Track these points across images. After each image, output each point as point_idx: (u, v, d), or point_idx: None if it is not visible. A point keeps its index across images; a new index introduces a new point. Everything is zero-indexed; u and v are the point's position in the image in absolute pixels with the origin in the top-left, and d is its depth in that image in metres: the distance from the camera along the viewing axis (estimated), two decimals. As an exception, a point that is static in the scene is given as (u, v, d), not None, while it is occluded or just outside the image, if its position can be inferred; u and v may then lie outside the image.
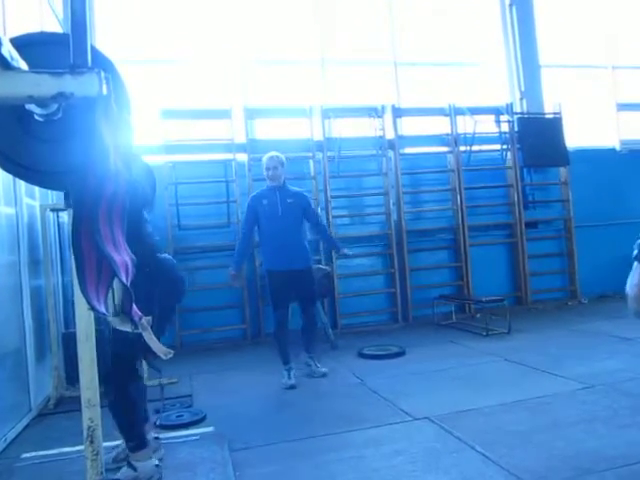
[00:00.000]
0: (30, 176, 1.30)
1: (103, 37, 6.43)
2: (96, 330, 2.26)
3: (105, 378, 2.57)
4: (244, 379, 4.83)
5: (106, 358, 2.57)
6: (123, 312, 1.09)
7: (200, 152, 6.79)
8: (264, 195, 4.61)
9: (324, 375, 4.51)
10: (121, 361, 2.60)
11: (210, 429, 3.44)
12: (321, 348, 4.77)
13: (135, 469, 2.60)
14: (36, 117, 1.14)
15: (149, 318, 1.16)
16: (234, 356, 5.90)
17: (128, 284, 1.06)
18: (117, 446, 2.94)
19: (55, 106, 1.14)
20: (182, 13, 7.06)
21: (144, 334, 1.14)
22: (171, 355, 1.25)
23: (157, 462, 2.68)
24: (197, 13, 7.12)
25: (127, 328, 1.11)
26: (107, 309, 1.06)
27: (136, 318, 1.11)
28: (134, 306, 1.11)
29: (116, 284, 1.09)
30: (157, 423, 3.58)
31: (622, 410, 3.29)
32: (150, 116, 6.40)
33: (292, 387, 4.38)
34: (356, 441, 3.14)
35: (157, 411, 3.78)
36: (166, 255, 3.03)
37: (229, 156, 6.79)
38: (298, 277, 4.51)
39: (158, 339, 2.88)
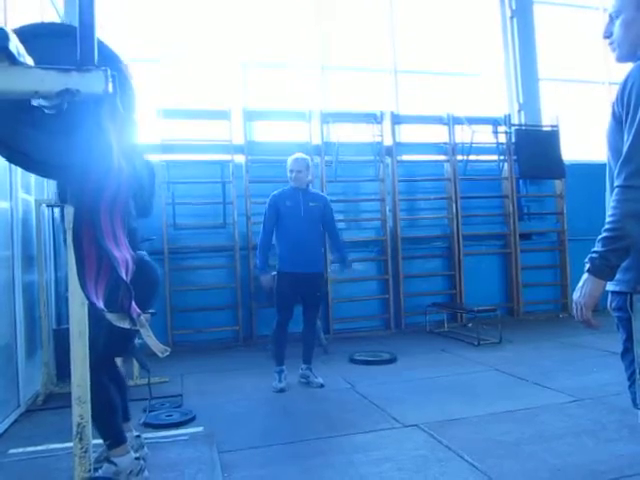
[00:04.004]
0: (35, 167, 1.30)
1: (103, 34, 6.42)
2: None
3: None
4: (235, 381, 4.82)
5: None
6: (122, 309, 1.09)
7: (198, 152, 6.80)
8: (287, 195, 4.54)
9: (321, 386, 4.49)
10: (98, 360, 2.58)
11: (200, 429, 3.43)
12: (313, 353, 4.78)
13: (115, 464, 2.59)
14: (45, 110, 1.15)
15: (148, 315, 1.17)
16: (226, 357, 5.89)
17: (128, 280, 1.06)
18: (101, 445, 2.92)
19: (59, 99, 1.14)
20: (184, 13, 7.07)
21: (142, 331, 1.14)
22: (167, 353, 1.25)
23: (136, 455, 2.68)
24: (199, 13, 7.14)
25: (125, 325, 1.11)
26: (105, 305, 1.07)
27: (135, 315, 1.11)
28: (133, 303, 1.12)
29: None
30: (145, 422, 3.57)
31: (609, 424, 3.31)
32: (148, 115, 6.40)
33: (282, 390, 4.38)
34: (345, 446, 3.15)
35: (145, 410, 3.77)
36: (145, 253, 2.91)
37: (227, 157, 6.80)
38: (308, 280, 4.48)
39: (126, 347, 2.86)
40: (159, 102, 6.51)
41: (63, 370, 4.14)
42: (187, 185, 6.54)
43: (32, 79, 1.05)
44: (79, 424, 2.22)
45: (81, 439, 2.23)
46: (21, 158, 1.26)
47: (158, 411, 3.82)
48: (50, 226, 4.84)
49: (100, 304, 1.04)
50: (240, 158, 6.80)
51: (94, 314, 2.26)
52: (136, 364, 4.38)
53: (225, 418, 3.75)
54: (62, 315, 4.85)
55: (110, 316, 1.12)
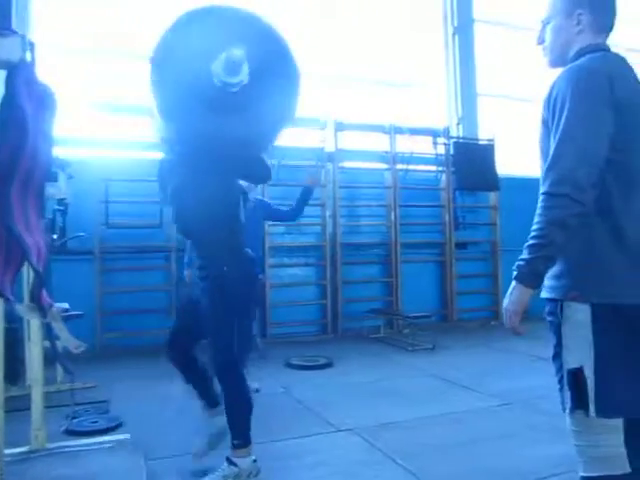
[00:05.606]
0: None
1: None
2: (8, 328, 2.09)
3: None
4: (167, 387, 4.61)
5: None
6: (32, 299, 0.99)
7: (134, 149, 6.52)
8: None
9: (257, 391, 4.39)
10: (233, 363, 2.61)
11: (126, 436, 3.26)
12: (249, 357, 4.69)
13: (236, 465, 2.57)
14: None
15: (60, 307, 1.07)
16: (158, 362, 5.60)
17: (40, 268, 0.96)
18: (25, 453, 2.75)
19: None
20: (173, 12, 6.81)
21: (54, 325, 1.04)
22: (83, 349, 1.15)
23: (254, 457, 2.64)
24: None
25: (35, 317, 1.01)
26: (14, 293, 0.96)
27: (45, 305, 1.01)
28: (44, 292, 1.01)
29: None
30: (67, 429, 3.37)
31: (538, 426, 3.41)
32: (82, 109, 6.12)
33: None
34: (279, 451, 3.08)
35: (68, 417, 3.56)
36: (249, 251, 2.86)
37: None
38: None
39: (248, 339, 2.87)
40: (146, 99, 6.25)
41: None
42: (122, 182, 6.26)
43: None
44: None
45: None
46: None
47: (82, 418, 3.62)
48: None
49: (8, 293, 0.94)
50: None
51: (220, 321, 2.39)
52: (60, 368, 4.14)
53: (154, 425, 3.60)
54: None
55: (19, 308, 1.01)
